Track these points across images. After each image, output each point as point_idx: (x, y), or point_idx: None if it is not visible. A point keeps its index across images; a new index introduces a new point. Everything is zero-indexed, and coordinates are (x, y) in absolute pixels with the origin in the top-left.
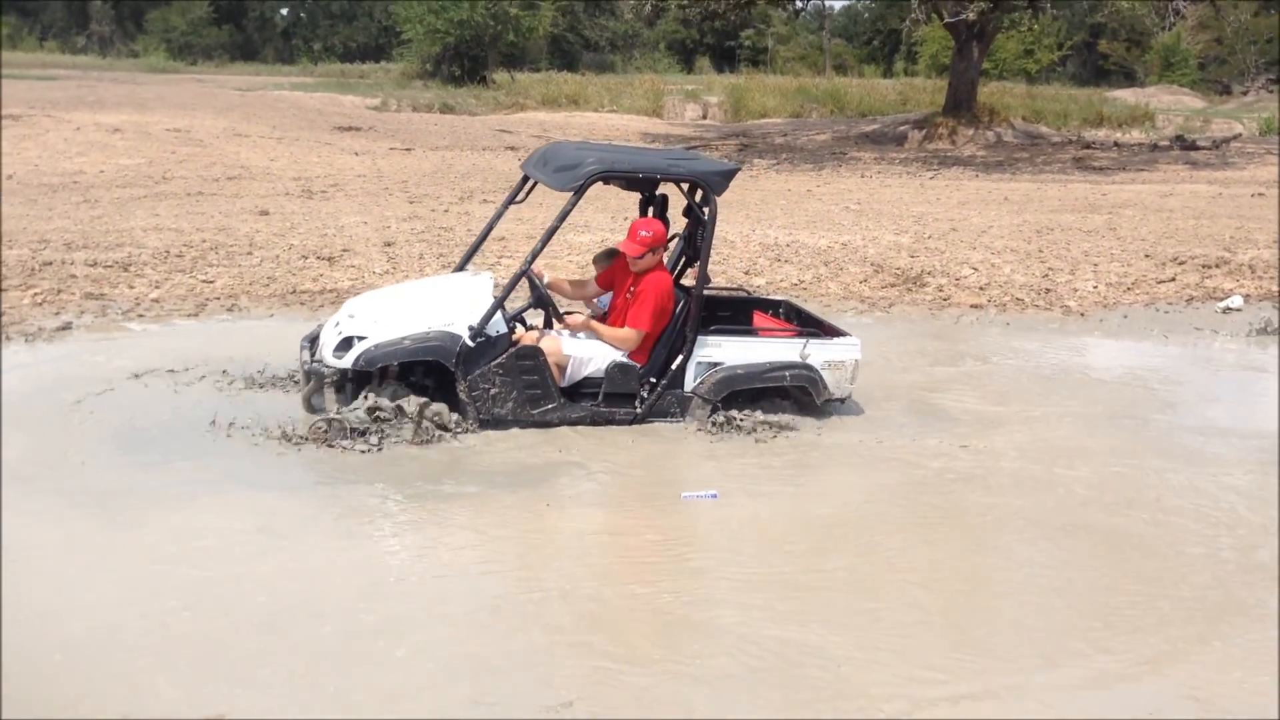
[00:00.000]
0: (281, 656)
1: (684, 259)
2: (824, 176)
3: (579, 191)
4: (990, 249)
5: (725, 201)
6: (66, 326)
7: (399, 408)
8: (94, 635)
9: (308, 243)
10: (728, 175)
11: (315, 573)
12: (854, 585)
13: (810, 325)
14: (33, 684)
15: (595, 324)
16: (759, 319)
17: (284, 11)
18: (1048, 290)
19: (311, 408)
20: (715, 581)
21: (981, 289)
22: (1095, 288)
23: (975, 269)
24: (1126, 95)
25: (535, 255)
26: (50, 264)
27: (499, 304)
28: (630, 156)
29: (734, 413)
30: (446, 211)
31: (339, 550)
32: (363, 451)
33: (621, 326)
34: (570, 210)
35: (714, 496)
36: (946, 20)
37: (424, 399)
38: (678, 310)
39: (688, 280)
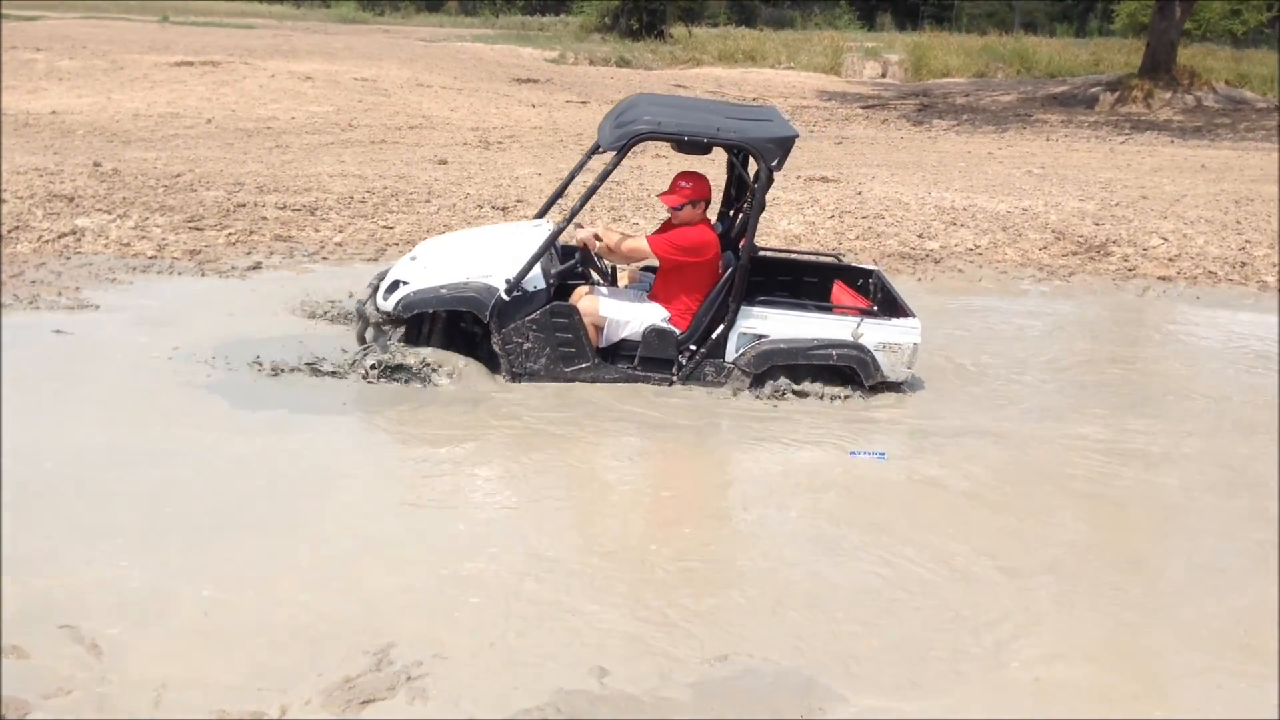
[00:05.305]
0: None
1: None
2: (1006, 139)
3: (620, 151)
4: (1183, 219)
5: (901, 162)
6: (256, 266)
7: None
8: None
9: (483, 192)
10: (782, 143)
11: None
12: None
13: (888, 303)
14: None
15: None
16: (837, 290)
17: None
18: (1244, 264)
19: (363, 343)
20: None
21: (1171, 260)
22: None
23: (1165, 239)
24: None
25: (574, 214)
26: (244, 206)
27: (535, 259)
28: (683, 116)
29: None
30: (619, 166)
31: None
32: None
33: (661, 291)
34: (611, 170)
35: (882, 457)
36: None
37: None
38: (724, 277)
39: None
